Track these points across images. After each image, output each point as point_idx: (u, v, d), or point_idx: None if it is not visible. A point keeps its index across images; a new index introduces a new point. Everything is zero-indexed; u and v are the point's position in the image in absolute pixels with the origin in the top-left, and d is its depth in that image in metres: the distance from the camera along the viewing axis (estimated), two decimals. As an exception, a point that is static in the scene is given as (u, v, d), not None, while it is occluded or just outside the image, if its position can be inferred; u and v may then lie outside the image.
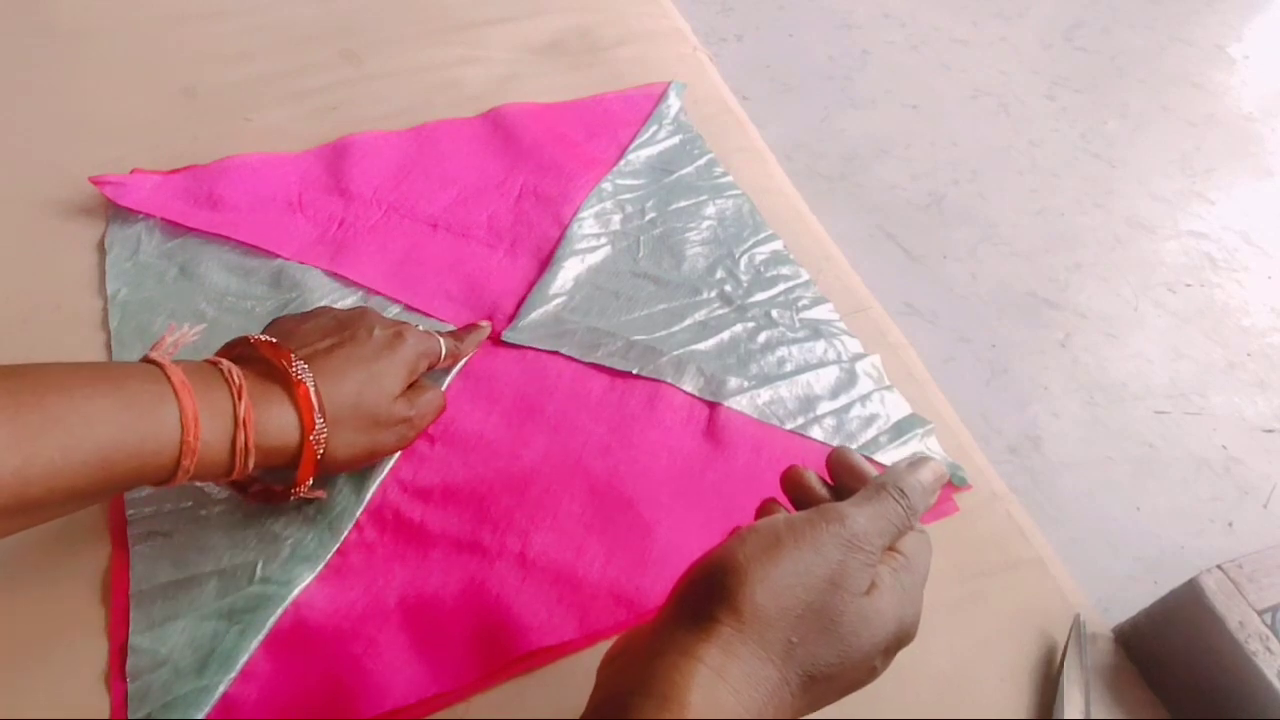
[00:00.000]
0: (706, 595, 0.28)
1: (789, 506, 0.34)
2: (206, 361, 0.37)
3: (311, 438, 0.37)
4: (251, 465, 0.36)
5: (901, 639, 0.30)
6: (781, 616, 0.27)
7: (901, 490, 0.31)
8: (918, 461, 0.33)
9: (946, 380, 0.53)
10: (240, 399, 0.35)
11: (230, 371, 0.36)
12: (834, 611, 0.28)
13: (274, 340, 0.38)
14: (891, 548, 0.31)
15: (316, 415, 0.37)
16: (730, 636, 0.26)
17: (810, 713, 0.29)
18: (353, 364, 0.39)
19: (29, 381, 0.31)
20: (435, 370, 0.45)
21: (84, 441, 0.31)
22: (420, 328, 0.44)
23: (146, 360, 0.35)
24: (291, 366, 0.37)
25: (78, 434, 0.31)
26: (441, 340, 0.45)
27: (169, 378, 0.34)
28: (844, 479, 0.34)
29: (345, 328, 0.41)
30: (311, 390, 0.37)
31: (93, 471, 0.32)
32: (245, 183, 0.56)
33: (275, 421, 0.36)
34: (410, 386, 0.42)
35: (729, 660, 0.26)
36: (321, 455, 0.38)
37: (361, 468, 0.42)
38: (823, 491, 0.34)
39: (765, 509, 0.34)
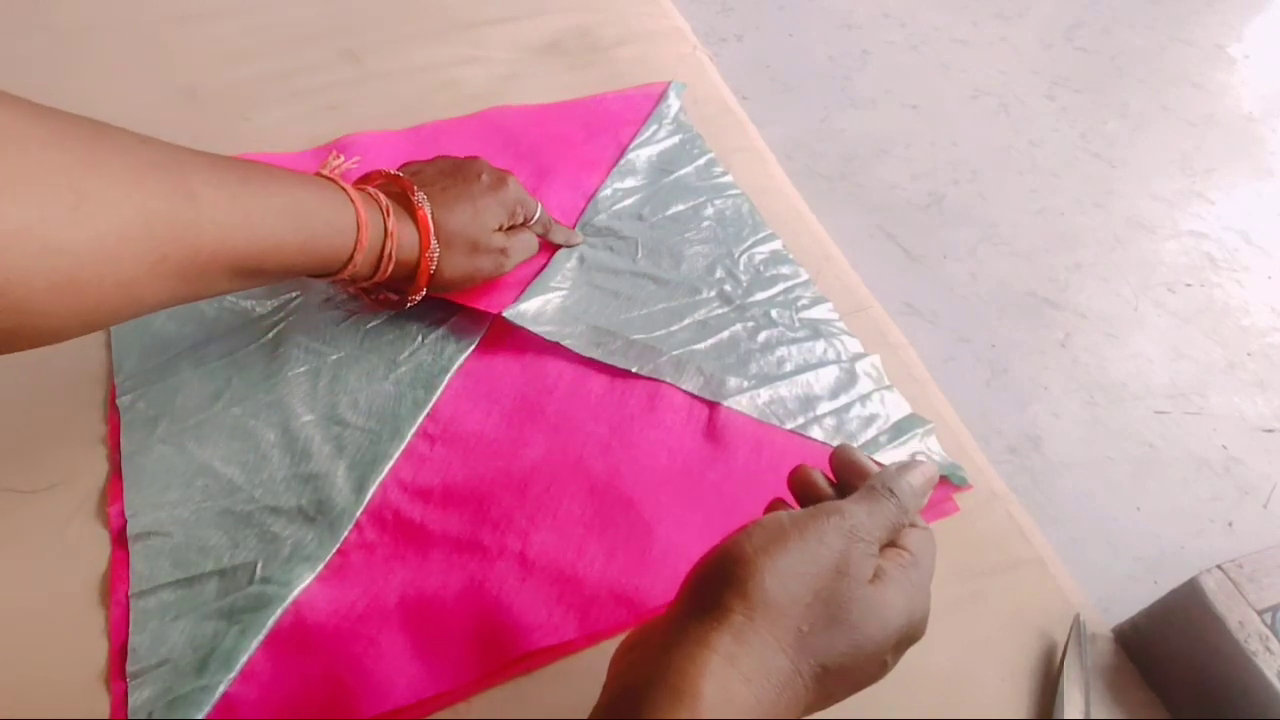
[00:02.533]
0: (717, 586, 0.28)
1: (795, 507, 0.35)
2: (358, 186, 0.45)
3: (428, 254, 0.45)
4: (389, 272, 0.45)
5: (911, 635, 0.30)
6: (792, 604, 0.28)
7: (891, 490, 0.32)
8: (909, 464, 0.34)
9: (946, 380, 0.53)
10: (389, 216, 0.44)
11: (378, 195, 0.45)
12: (842, 598, 0.28)
13: (401, 174, 0.47)
14: (896, 544, 0.31)
15: (432, 238, 0.45)
16: (742, 624, 0.27)
17: (823, 709, 0.29)
18: (463, 200, 0.47)
19: (262, 175, 0.39)
20: (525, 232, 0.52)
21: (299, 228, 0.40)
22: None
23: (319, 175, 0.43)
24: (414, 195, 0.46)
25: (295, 223, 0.40)
26: (540, 207, 0.52)
27: (346, 191, 0.43)
28: (847, 476, 0.35)
29: (460, 170, 0.49)
30: (429, 216, 0.45)
31: (297, 253, 0.40)
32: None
33: (405, 240, 0.45)
34: (510, 229, 0.50)
35: (741, 649, 0.26)
36: (433, 272, 0.46)
37: (463, 289, 0.49)
38: (828, 489, 0.35)
39: (773, 508, 0.35)
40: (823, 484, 0.35)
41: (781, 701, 0.27)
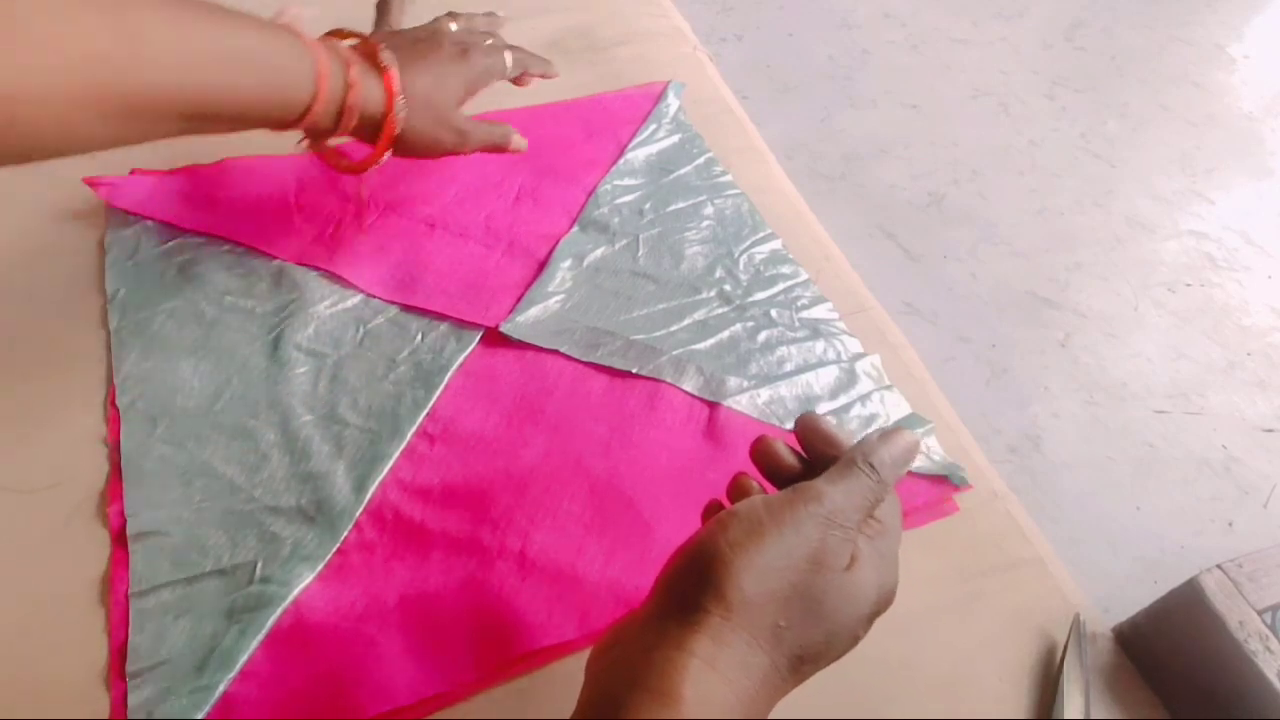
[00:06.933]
0: (693, 585, 0.28)
1: (761, 479, 0.34)
2: (323, 39, 0.44)
3: (394, 113, 0.45)
4: (352, 124, 0.44)
5: (881, 606, 0.30)
6: (769, 601, 0.27)
7: (871, 465, 0.31)
8: (888, 434, 0.33)
9: (946, 380, 0.53)
10: (350, 68, 0.43)
11: (338, 47, 0.44)
12: (818, 591, 0.28)
13: (362, 34, 0.47)
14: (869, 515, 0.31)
15: (398, 95, 0.45)
16: (719, 626, 0.27)
17: (797, 686, 0.29)
18: (427, 64, 0.47)
19: (216, 17, 0.38)
20: (487, 124, 0.51)
21: (253, 73, 0.40)
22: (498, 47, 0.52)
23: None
24: (380, 54, 0.45)
25: (249, 68, 0.39)
26: (507, 57, 0.52)
27: (303, 40, 0.42)
28: (815, 444, 0.34)
29: (428, 37, 0.50)
30: (395, 74, 0.45)
31: (253, 100, 0.40)
32: (242, 184, 0.56)
33: (369, 94, 0.44)
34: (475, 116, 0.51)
35: (719, 650, 0.26)
36: (399, 132, 0.46)
37: (424, 157, 0.49)
38: (793, 461, 0.34)
39: (738, 484, 0.34)
40: (787, 456, 0.34)
41: (761, 695, 0.27)
